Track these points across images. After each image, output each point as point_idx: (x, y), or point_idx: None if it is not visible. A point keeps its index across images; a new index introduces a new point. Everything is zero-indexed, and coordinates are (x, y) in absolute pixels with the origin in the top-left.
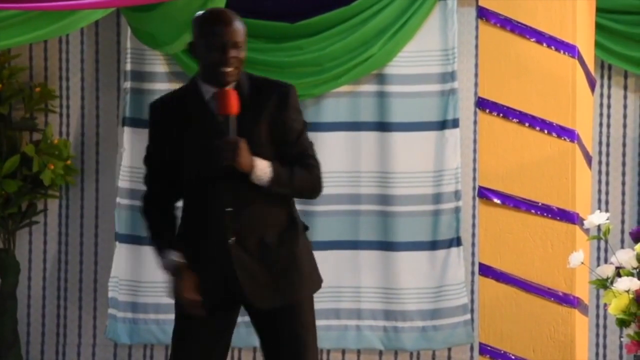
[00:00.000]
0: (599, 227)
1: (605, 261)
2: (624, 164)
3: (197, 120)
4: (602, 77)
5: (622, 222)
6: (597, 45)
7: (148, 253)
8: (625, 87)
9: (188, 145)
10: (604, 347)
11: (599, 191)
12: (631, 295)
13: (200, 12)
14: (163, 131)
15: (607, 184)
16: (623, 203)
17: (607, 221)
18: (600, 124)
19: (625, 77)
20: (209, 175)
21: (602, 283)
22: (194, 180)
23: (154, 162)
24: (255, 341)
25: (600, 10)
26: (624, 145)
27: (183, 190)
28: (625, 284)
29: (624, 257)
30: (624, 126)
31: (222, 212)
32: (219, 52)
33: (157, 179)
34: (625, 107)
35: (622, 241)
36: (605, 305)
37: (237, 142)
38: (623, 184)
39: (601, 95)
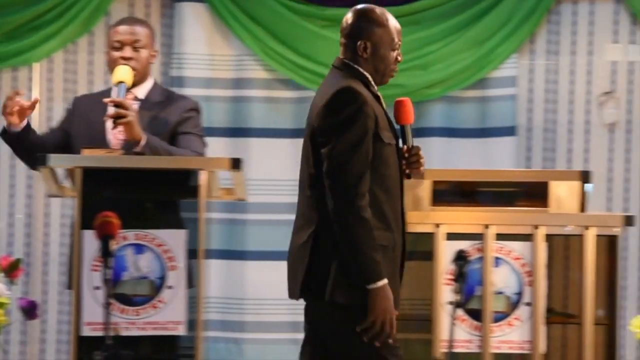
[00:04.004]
0: None
1: None
2: None
3: (385, 126)
4: None
5: None
6: None
7: None
8: None
9: (388, 150)
10: None
11: None
12: None
13: (376, 8)
14: (372, 129)
15: None
16: None
17: None
18: None
19: None
20: (399, 183)
21: None
22: (385, 188)
23: (367, 162)
24: None
25: None
26: None
27: None
28: None
29: None
30: None
31: (402, 222)
32: (397, 52)
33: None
34: None
35: None
36: None
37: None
38: None
39: None
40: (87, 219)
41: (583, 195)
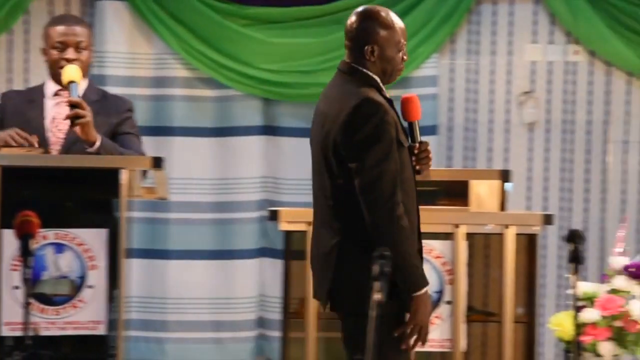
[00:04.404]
0: None
1: None
2: None
3: (401, 129)
4: None
5: None
6: None
7: None
8: None
9: (405, 152)
10: None
11: None
12: None
13: (381, 10)
14: (395, 137)
15: None
16: None
17: None
18: None
19: None
20: (414, 182)
21: None
22: (405, 190)
23: (398, 171)
24: None
25: None
26: None
27: None
28: None
29: None
30: None
31: (419, 220)
32: (402, 52)
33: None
34: None
35: None
36: None
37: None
38: None
39: None
40: (6, 218)
41: (503, 194)
